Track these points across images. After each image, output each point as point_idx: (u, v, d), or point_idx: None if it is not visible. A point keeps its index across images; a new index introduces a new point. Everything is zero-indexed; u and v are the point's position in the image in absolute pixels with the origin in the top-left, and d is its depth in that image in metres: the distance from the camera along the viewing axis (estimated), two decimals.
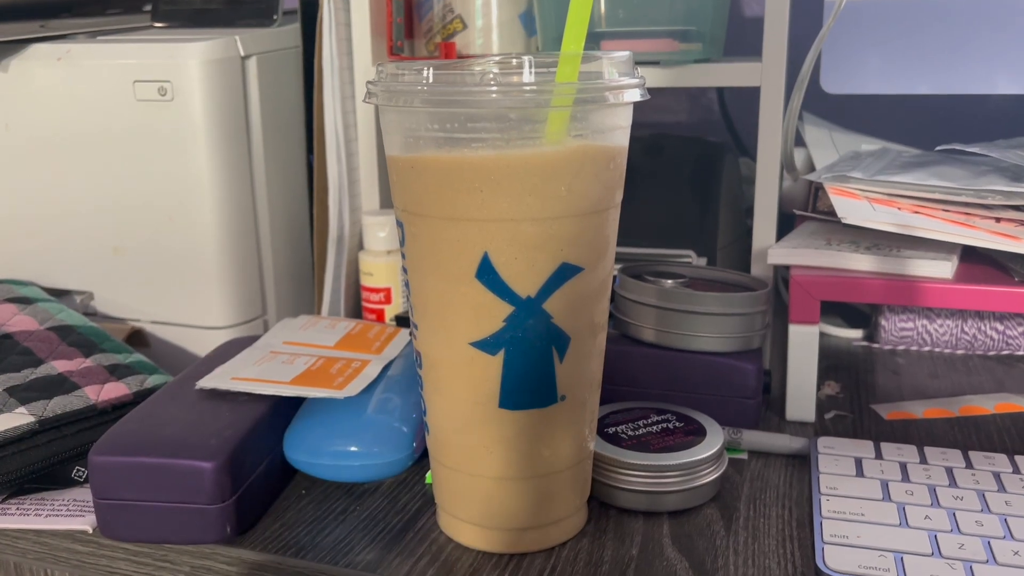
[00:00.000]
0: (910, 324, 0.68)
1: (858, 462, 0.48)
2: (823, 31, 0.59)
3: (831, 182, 0.58)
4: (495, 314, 0.39)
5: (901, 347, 0.68)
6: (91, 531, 0.45)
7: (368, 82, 0.40)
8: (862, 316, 0.73)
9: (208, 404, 0.48)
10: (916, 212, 0.55)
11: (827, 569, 0.40)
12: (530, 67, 0.37)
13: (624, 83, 0.38)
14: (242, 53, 0.63)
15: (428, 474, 0.48)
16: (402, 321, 0.65)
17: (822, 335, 0.69)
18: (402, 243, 0.41)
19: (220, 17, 0.71)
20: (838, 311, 0.74)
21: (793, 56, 0.59)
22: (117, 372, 0.54)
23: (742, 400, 0.54)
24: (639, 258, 0.67)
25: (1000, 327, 0.66)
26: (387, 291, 0.67)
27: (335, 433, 0.47)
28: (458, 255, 0.38)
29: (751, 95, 0.59)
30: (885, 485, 0.46)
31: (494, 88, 0.36)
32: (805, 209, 0.67)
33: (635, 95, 0.39)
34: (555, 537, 0.43)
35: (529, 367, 0.40)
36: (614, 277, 0.57)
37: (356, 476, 0.47)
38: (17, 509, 0.47)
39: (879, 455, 0.49)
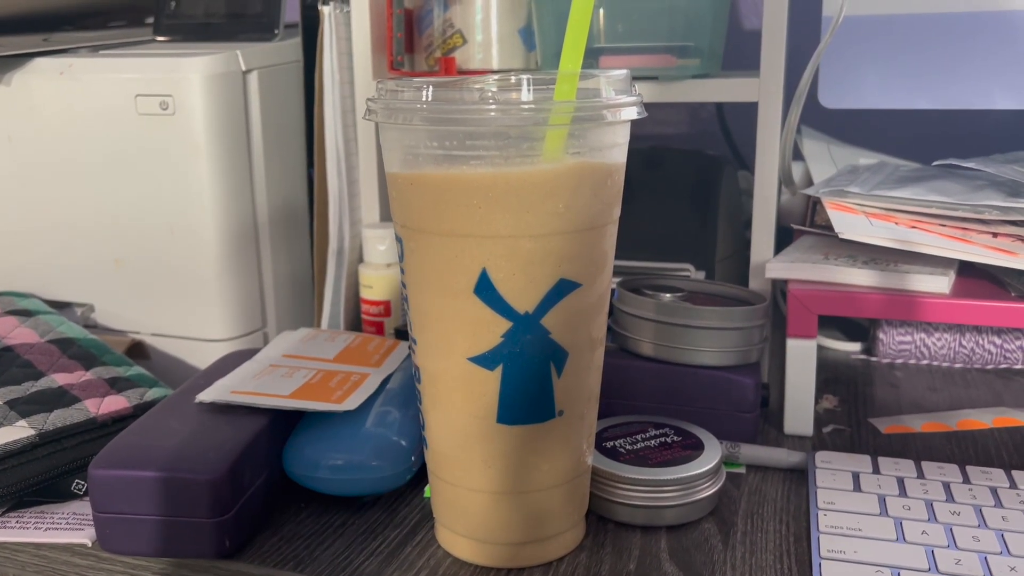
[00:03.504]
0: (908, 338, 0.68)
1: (856, 476, 0.48)
2: (821, 46, 0.60)
3: (829, 196, 0.58)
4: (493, 329, 0.39)
5: (899, 361, 0.69)
6: (90, 544, 0.45)
7: (368, 99, 0.40)
8: (860, 330, 0.73)
9: (208, 417, 0.48)
10: (913, 227, 0.56)
11: None
12: (528, 85, 0.37)
13: (621, 101, 0.39)
14: (243, 67, 0.64)
15: (427, 488, 0.49)
16: (402, 334, 0.65)
17: (820, 349, 0.69)
18: (401, 258, 0.42)
19: (222, 31, 0.72)
20: (836, 324, 0.74)
21: (791, 71, 0.59)
22: (117, 385, 0.54)
23: (740, 414, 0.54)
24: (637, 272, 0.67)
25: (998, 341, 0.66)
26: (387, 304, 0.67)
27: (334, 447, 0.47)
28: (456, 271, 0.39)
29: (750, 108, 0.60)
30: (882, 500, 0.46)
31: (493, 106, 0.37)
32: (803, 223, 0.67)
33: (632, 113, 0.39)
34: (553, 552, 0.44)
35: (527, 382, 0.40)
36: (612, 291, 0.57)
37: (355, 490, 0.47)
38: (17, 522, 0.47)
39: (876, 470, 0.49)
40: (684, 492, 0.46)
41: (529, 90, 0.37)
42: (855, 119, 0.81)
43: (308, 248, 0.72)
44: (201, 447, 0.44)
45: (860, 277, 0.54)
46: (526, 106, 0.37)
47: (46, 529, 0.46)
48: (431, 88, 0.38)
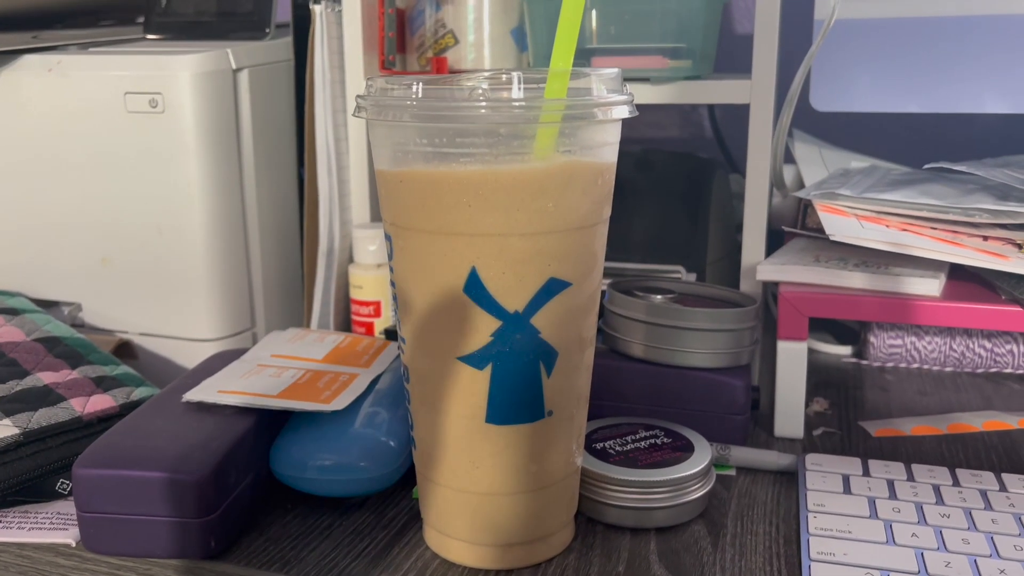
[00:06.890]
0: (899, 341, 0.68)
1: (846, 479, 0.48)
2: (812, 49, 0.60)
3: (820, 199, 0.58)
4: (482, 328, 0.39)
5: (890, 364, 0.68)
6: (74, 545, 0.45)
7: (358, 96, 0.40)
8: (851, 333, 0.73)
9: (194, 417, 0.47)
10: (904, 230, 0.56)
11: None
12: (519, 83, 0.37)
13: (612, 100, 0.38)
14: (234, 66, 0.64)
15: (415, 489, 0.48)
16: (391, 335, 0.65)
17: (811, 351, 0.69)
18: (390, 257, 0.41)
19: (212, 30, 0.71)
20: (827, 327, 0.74)
21: (783, 73, 0.59)
22: (103, 384, 0.53)
23: (730, 416, 0.54)
24: (628, 273, 0.67)
25: (988, 344, 0.66)
26: (376, 304, 0.67)
27: (321, 447, 0.46)
28: (446, 269, 0.38)
29: (741, 111, 0.60)
30: (872, 502, 0.46)
31: (483, 103, 0.37)
32: (794, 226, 0.67)
33: (623, 112, 0.39)
34: (542, 553, 0.43)
35: (517, 382, 0.40)
36: (603, 292, 0.57)
37: (342, 491, 0.47)
38: None
39: (867, 472, 0.49)
40: (674, 494, 0.45)
41: (520, 88, 0.37)
42: (846, 122, 0.81)
43: (298, 248, 0.71)
44: (187, 447, 0.44)
45: (851, 279, 0.54)
46: (517, 103, 0.37)
47: (30, 529, 0.46)
48: (421, 85, 0.38)
